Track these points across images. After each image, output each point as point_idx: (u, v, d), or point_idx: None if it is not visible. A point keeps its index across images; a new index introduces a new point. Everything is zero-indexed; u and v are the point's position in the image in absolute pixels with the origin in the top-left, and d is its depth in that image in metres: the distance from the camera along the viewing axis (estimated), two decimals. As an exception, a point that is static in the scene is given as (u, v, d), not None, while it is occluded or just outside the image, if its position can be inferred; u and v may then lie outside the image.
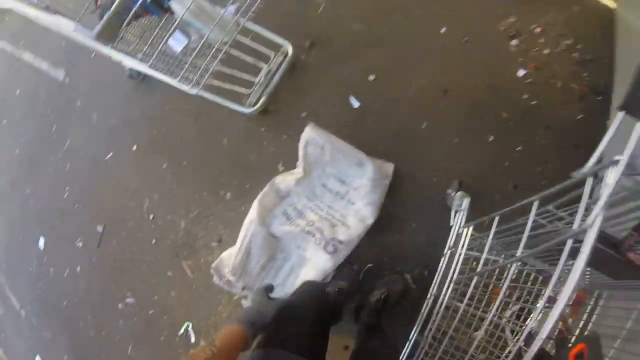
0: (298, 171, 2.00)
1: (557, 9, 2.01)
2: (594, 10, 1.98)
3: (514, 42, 1.98)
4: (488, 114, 1.91)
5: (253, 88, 2.22)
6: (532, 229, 0.88)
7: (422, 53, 2.07)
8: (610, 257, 0.74)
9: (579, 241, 0.65)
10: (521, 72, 1.94)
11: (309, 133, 1.91)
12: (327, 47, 2.26)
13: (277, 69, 2.15)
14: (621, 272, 0.80)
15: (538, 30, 2.00)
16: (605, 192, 0.61)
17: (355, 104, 2.11)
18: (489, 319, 0.90)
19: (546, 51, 1.96)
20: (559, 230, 0.90)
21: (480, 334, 0.95)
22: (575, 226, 0.72)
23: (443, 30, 2.08)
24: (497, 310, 0.88)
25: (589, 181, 0.72)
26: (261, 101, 2.11)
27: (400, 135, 2.01)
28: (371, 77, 2.13)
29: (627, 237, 0.73)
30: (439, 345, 1.13)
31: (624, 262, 0.73)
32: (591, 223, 0.63)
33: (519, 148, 1.85)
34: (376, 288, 1.75)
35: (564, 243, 0.68)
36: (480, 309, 1.13)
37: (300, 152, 1.94)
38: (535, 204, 0.88)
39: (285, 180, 2.02)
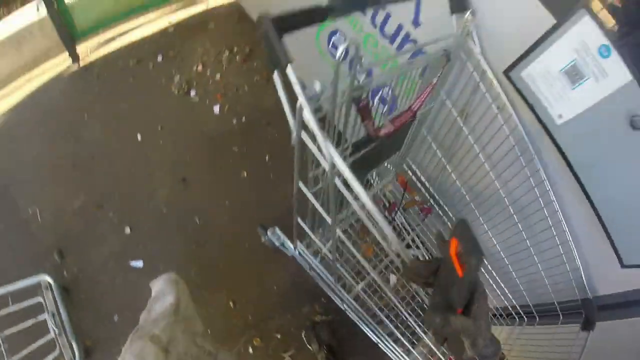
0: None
1: (200, 39, 2.09)
2: (225, 14, 2.09)
3: (192, 93, 1.98)
4: (225, 156, 1.86)
5: (57, 346, 1.92)
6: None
7: (141, 163, 1.97)
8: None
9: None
10: (217, 109, 1.93)
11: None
12: (75, 243, 2.07)
13: (57, 307, 1.90)
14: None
15: (200, 68, 2.03)
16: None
17: (138, 264, 1.93)
18: None
19: (218, 76, 2.00)
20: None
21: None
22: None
23: (139, 137, 2.02)
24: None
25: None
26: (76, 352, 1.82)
27: (193, 239, 1.84)
28: (127, 231, 1.98)
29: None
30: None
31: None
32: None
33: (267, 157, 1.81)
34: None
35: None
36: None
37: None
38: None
39: None
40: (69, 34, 1.91)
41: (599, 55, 0.75)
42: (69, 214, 1.74)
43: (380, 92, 1.31)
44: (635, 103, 0.76)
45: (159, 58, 2.03)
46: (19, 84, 2.00)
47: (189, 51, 2.07)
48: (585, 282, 1.05)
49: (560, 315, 1.15)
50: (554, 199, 0.99)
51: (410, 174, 1.46)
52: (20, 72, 2.02)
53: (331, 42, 1.56)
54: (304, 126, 0.70)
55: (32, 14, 1.97)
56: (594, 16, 0.73)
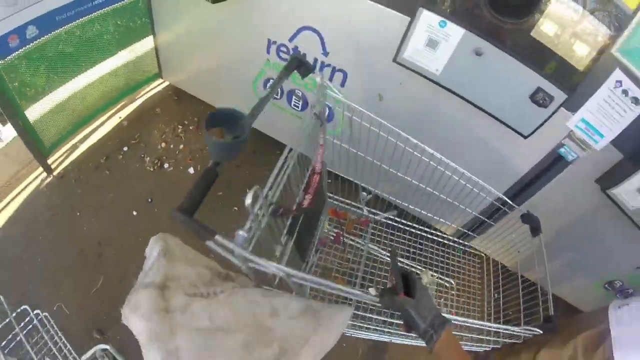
0: None
1: (154, 124, 2.50)
2: (165, 96, 2.55)
3: (166, 165, 2.35)
4: (213, 199, 2.22)
5: None
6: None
7: (144, 234, 2.25)
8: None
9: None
10: (191, 170, 2.32)
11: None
12: (109, 319, 2.10)
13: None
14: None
15: (163, 145, 2.43)
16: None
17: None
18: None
19: (181, 146, 2.42)
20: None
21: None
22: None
23: (134, 213, 2.28)
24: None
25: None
26: None
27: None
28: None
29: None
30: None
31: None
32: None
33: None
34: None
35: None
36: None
37: None
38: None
39: None
40: (38, 150, 2.20)
41: (439, 27, 1.33)
42: (92, 296, 1.96)
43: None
44: (472, 42, 1.32)
45: (125, 149, 2.39)
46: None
47: (148, 135, 2.46)
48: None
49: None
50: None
51: (333, 201, 1.71)
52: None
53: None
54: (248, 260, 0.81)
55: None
56: (429, 8, 1.31)
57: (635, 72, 1.25)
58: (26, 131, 2.09)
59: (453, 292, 1.75)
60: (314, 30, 1.75)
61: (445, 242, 1.80)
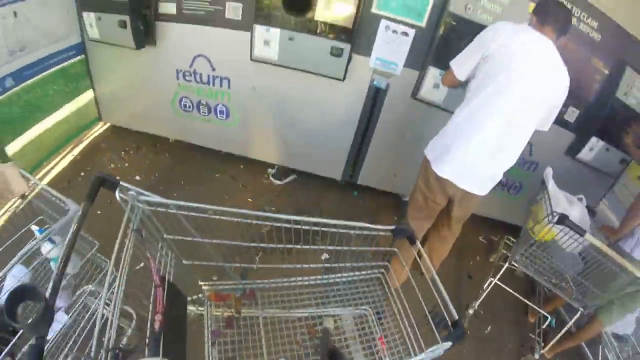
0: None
1: (102, 154, 3.37)
2: (107, 134, 3.46)
3: (117, 178, 3.21)
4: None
5: None
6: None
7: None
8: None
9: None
10: (138, 178, 3.22)
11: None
12: None
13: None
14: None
15: (112, 166, 3.30)
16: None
17: None
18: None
19: (126, 165, 3.31)
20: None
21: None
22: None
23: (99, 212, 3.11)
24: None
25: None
26: None
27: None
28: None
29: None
30: None
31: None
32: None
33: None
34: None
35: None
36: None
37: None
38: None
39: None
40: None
41: (266, 32, 2.49)
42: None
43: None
44: (285, 34, 2.47)
45: (82, 174, 3.22)
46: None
47: (99, 163, 3.30)
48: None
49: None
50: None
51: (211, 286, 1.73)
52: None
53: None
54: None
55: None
56: (258, 23, 2.48)
57: (393, 16, 2.30)
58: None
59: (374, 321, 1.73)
60: (204, 56, 2.87)
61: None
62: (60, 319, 1.73)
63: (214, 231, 1.39)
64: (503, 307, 2.75)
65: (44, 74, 2.88)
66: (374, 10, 2.38)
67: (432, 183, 2.06)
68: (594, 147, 2.71)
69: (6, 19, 2.43)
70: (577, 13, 2.31)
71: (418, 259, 1.37)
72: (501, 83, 1.81)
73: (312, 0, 2.36)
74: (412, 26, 2.36)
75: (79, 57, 3.15)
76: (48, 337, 1.53)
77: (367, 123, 2.79)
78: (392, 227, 1.40)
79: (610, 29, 2.36)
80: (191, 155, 3.45)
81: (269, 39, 2.52)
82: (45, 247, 1.62)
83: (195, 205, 1.28)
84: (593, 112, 2.60)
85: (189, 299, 1.67)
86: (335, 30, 2.43)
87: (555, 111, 1.99)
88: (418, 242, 1.39)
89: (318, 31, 2.44)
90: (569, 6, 2.22)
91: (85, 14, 2.82)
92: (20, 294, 0.74)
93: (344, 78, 2.58)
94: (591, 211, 2.48)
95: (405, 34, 2.37)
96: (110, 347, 0.93)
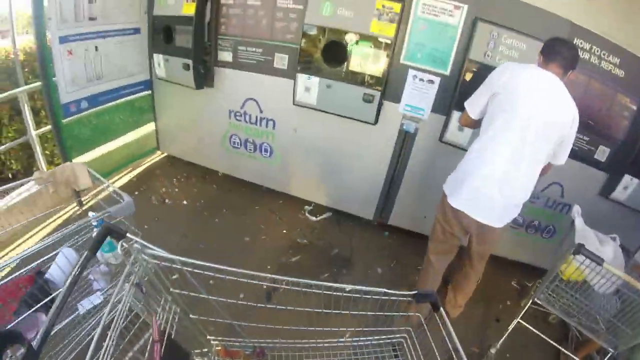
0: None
1: (156, 178, 3.78)
2: (163, 162, 3.88)
3: (167, 201, 3.58)
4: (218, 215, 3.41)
5: None
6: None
7: None
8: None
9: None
10: (185, 202, 3.57)
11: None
12: None
13: None
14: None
15: (164, 190, 3.69)
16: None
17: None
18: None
19: (176, 190, 3.68)
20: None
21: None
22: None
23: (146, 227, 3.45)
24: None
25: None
26: None
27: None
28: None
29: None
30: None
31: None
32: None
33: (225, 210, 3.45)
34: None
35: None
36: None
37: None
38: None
39: None
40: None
41: (307, 79, 2.81)
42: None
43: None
44: (324, 82, 2.79)
45: (136, 193, 3.61)
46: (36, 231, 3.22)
47: (152, 186, 3.70)
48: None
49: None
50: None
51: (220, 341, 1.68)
52: (36, 224, 3.13)
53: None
54: None
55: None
56: (301, 72, 2.82)
57: (420, 66, 2.57)
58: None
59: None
60: (254, 99, 3.24)
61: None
62: (94, 300, 1.95)
63: (226, 284, 1.27)
64: (533, 354, 2.71)
65: (114, 102, 3.43)
66: (402, 61, 2.64)
67: (449, 216, 2.18)
68: (628, 186, 2.68)
69: (88, 51, 3.00)
70: (597, 52, 2.38)
71: (442, 326, 1.26)
72: (507, 117, 1.92)
73: (347, 53, 2.68)
74: (437, 74, 2.57)
75: (146, 92, 3.70)
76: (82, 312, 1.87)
77: (397, 165, 2.97)
78: (414, 292, 1.32)
79: (632, 64, 2.40)
80: (236, 187, 3.78)
81: (309, 86, 2.84)
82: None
83: (201, 263, 1.21)
84: (624, 150, 2.60)
85: (196, 351, 1.64)
86: (367, 79, 2.71)
87: (568, 143, 2.03)
88: (442, 310, 1.30)
89: (352, 80, 2.74)
90: (585, 45, 2.32)
91: (155, 56, 3.35)
92: (6, 338, 0.77)
93: (376, 122, 2.81)
94: (627, 251, 2.37)
95: (431, 81, 2.58)
96: None
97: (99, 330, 1.02)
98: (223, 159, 3.73)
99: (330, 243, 3.24)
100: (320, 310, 1.37)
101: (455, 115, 2.58)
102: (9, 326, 1.43)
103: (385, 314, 1.43)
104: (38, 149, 3.26)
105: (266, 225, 3.42)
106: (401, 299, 1.33)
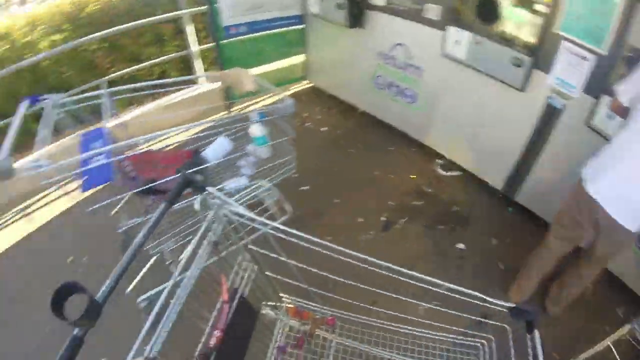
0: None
1: (300, 106, 4.15)
2: (308, 91, 4.21)
3: (307, 124, 3.95)
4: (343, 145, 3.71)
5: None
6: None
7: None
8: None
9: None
10: (324, 128, 3.89)
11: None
12: None
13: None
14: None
15: (305, 115, 4.05)
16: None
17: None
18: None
19: (318, 116, 4.00)
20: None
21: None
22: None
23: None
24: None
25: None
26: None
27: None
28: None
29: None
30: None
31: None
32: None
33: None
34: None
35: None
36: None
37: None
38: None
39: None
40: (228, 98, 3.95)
41: (457, 33, 2.68)
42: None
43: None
44: (474, 38, 2.64)
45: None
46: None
47: (297, 108, 4.09)
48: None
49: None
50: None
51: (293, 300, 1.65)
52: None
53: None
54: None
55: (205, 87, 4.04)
56: (451, 24, 2.69)
57: (574, 39, 2.22)
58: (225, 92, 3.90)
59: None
60: (403, 45, 3.22)
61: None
62: (239, 182, 2.34)
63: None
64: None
65: (269, 31, 3.86)
66: (557, 30, 2.29)
67: (581, 203, 2.01)
68: None
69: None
70: None
71: (530, 349, 1.10)
72: None
73: (501, 12, 2.44)
74: (592, 52, 2.20)
75: (298, 27, 4.02)
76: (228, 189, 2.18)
77: (536, 140, 2.76)
78: (512, 305, 1.11)
79: None
80: (373, 126, 3.95)
81: (459, 39, 2.71)
82: (253, 128, 2.25)
83: (284, 228, 1.09)
84: None
85: (267, 303, 1.64)
86: (518, 42, 2.46)
87: None
88: (537, 333, 1.11)
89: (503, 41, 2.52)
90: None
91: None
92: (67, 290, 0.73)
93: (522, 89, 2.59)
94: None
95: (585, 58, 2.26)
96: (151, 356, 0.90)
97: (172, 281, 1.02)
98: (365, 98, 3.88)
99: (453, 199, 3.24)
100: (405, 299, 1.30)
101: (605, 100, 2.24)
102: (159, 181, 1.74)
103: (473, 317, 1.30)
104: (195, 63, 4.05)
105: (396, 166, 3.55)
106: (494, 307, 1.12)
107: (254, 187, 2.41)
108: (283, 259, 1.30)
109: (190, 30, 3.88)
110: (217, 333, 1.12)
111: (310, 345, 1.61)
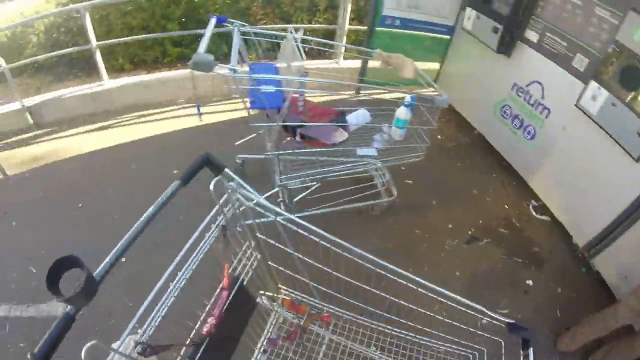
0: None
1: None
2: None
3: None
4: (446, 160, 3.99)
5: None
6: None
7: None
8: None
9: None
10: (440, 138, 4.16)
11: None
12: None
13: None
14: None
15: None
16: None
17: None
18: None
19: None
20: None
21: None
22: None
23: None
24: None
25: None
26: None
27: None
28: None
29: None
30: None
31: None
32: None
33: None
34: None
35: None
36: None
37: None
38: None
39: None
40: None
41: (597, 89, 2.78)
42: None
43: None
44: (610, 99, 2.72)
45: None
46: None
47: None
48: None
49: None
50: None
51: (290, 293, 1.64)
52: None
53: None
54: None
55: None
56: (594, 80, 2.79)
57: None
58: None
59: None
60: (541, 84, 3.35)
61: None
62: (368, 152, 2.74)
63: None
64: None
65: (417, 32, 4.21)
66: None
67: None
68: None
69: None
70: None
71: None
72: None
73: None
74: None
75: (445, 36, 4.31)
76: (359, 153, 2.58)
77: (633, 213, 2.72)
78: (512, 321, 1.15)
79: None
80: (483, 149, 4.14)
81: (596, 95, 2.79)
82: (401, 110, 2.64)
83: (298, 220, 1.09)
84: None
85: (265, 293, 1.63)
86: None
87: None
88: (531, 350, 1.13)
89: (637, 110, 2.55)
90: None
91: (468, 9, 3.89)
92: (64, 264, 0.70)
93: (638, 161, 2.61)
94: None
95: None
96: (143, 340, 0.88)
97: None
98: (486, 121, 4.07)
99: (536, 240, 3.36)
100: (406, 304, 1.34)
101: None
102: (309, 124, 2.18)
103: (471, 329, 1.38)
104: (341, 39, 4.64)
105: (494, 192, 3.78)
106: (491, 321, 1.18)
107: (369, 162, 2.79)
108: (290, 250, 1.28)
109: (347, 8, 4.40)
110: (212, 320, 1.11)
111: (302, 339, 1.59)
